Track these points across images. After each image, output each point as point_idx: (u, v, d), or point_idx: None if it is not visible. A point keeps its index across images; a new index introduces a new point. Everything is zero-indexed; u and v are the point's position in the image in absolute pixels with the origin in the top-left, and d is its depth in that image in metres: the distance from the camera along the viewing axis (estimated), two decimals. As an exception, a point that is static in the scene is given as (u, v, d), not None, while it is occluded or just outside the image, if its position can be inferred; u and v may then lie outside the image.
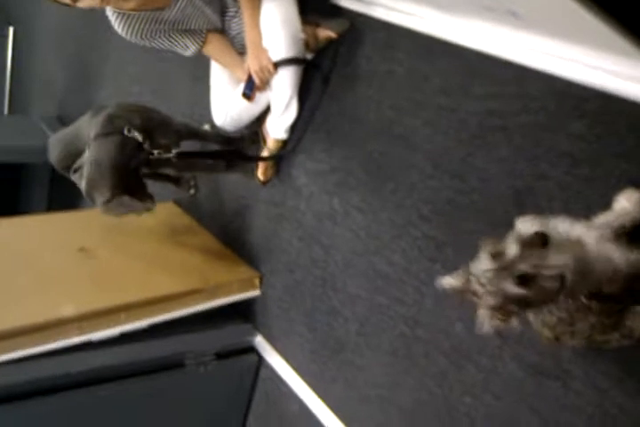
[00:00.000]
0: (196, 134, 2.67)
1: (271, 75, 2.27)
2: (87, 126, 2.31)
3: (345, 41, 2.27)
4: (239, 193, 2.85)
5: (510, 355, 1.73)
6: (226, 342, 2.63)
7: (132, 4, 2.14)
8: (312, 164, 2.43)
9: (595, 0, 1.04)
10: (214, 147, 2.74)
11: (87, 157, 2.19)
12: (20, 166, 4.45)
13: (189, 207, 3.19)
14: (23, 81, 5.48)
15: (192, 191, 2.99)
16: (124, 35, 2.26)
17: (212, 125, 2.75)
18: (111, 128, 2.19)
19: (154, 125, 2.33)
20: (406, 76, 2.06)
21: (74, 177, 2.32)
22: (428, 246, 1.97)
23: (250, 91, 2.36)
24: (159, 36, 2.31)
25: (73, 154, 2.42)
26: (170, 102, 3.33)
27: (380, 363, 2.15)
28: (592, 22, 1.10)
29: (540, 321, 1.30)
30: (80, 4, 2.01)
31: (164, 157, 2.31)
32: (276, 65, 2.24)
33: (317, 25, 2.30)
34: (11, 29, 5.53)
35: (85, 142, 2.30)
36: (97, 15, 2.23)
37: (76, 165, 2.28)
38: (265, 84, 2.31)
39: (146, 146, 2.26)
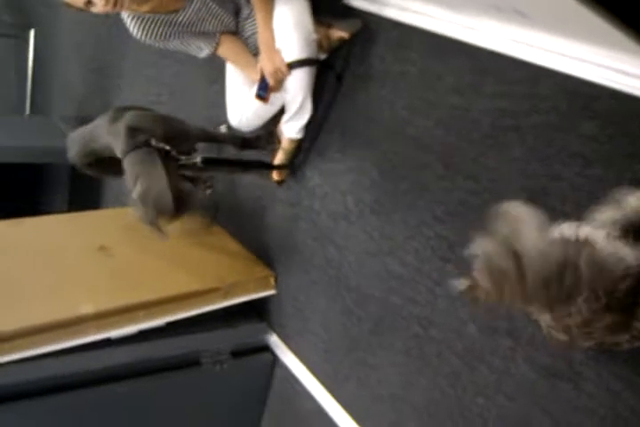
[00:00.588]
0: (212, 138, 2.69)
1: (285, 76, 2.27)
2: (104, 130, 2.33)
3: (358, 41, 2.27)
4: (255, 193, 2.87)
5: (523, 356, 1.73)
6: (241, 340, 2.66)
7: (146, 7, 2.16)
8: (326, 164, 2.44)
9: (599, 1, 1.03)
10: (230, 149, 2.75)
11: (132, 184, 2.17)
12: (40, 167, 4.50)
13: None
14: (44, 82, 5.55)
15: (209, 191, 3.01)
16: (138, 37, 2.28)
17: (228, 126, 2.77)
18: (135, 142, 2.18)
19: (174, 133, 2.34)
20: (419, 75, 2.05)
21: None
22: (440, 247, 1.97)
23: (264, 92, 2.36)
24: (173, 39, 2.33)
25: (89, 153, 2.48)
26: (186, 104, 3.36)
27: (392, 362, 2.16)
28: (597, 22, 1.10)
29: (559, 324, 1.28)
30: (94, 10, 2.04)
31: (191, 162, 2.33)
32: (290, 66, 2.25)
33: (330, 25, 2.30)
34: (32, 32, 5.60)
35: (102, 144, 2.33)
36: (114, 17, 2.26)
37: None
38: (279, 86, 2.32)
39: (173, 153, 2.26)
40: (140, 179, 2.11)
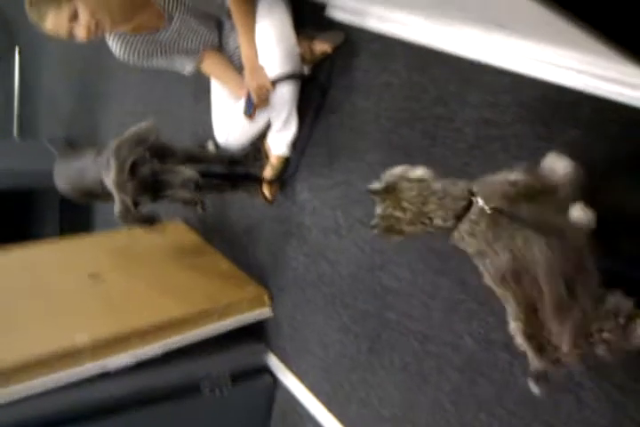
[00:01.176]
0: (198, 157, 2.66)
1: (270, 92, 2.26)
2: (93, 166, 2.31)
3: (341, 53, 2.26)
4: (245, 211, 2.85)
5: (521, 369, 1.70)
6: (240, 363, 2.62)
7: (127, 27, 2.15)
8: (314, 178, 2.42)
9: (575, 12, 1.01)
10: (218, 168, 2.73)
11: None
12: (30, 191, 4.47)
13: (198, 226, 3.19)
14: (31, 104, 5.54)
15: (200, 210, 2.98)
16: (121, 57, 2.27)
17: (216, 144, 2.75)
18: (127, 175, 2.13)
19: (160, 153, 2.32)
20: (403, 86, 2.04)
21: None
22: (432, 259, 1.95)
23: (250, 109, 2.34)
24: (156, 57, 2.32)
25: (79, 189, 2.50)
26: (173, 121, 3.34)
27: (392, 380, 2.13)
28: (577, 33, 1.08)
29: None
30: (77, 39, 2.03)
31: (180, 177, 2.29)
32: (274, 82, 2.23)
33: (312, 38, 2.29)
34: (17, 54, 5.59)
35: (92, 182, 2.31)
36: (100, 38, 2.24)
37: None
38: (264, 102, 2.30)
39: (158, 168, 2.24)
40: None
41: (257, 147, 2.62)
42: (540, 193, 1.31)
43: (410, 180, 1.31)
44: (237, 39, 2.35)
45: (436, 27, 1.87)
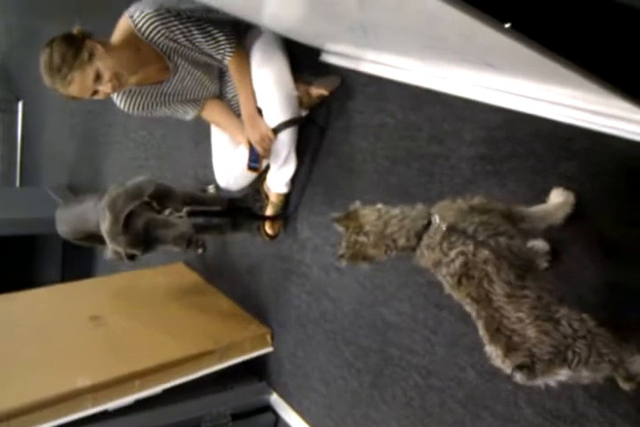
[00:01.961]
0: (198, 200, 2.70)
1: (272, 142, 2.31)
2: (93, 211, 2.35)
3: (337, 96, 2.32)
4: (246, 250, 2.88)
5: (525, 400, 1.70)
6: (241, 401, 2.60)
7: (132, 80, 2.22)
8: (314, 217, 2.46)
9: (564, 54, 1.07)
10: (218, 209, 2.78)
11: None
12: (33, 237, 4.51)
13: (199, 267, 3.21)
14: (33, 153, 5.62)
15: (200, 251, 3.01)
16: (125, 110, 2.34)
17: (217, 186, 2.79)
18: (121, 228, 2.16)
19: (160, 196, 2.36)
20: (398, 126, 2.10)
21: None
22: (433, 293, 1.97)
23: (256, 163, 2.39)
24: (159, 107, 2.39)
25: (81, 233, 2.54)
26: (174, 165, 3.40)
27: (395, 415, 2.12)
28: (564, 72, 1.13)
29: None
30: (99, 97, 2.13)
31: (176, 215, 2.33)
32: (275, 131, 2.29)
33: (310, 83, 2.35)
34: (20, 104, 5.71)
35: (94, 224, 2.34)
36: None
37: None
38: (268, 152, 2.36)
39: (156, 207, 2.28)
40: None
41: (256, 188, 2.66)
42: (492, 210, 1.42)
43: (370, 207, 1.42)
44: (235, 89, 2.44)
45: (427, 67, 1.94)
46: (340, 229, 1.44)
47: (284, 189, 2.51)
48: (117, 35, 2.17)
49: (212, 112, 2.52)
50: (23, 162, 5.86)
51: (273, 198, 2.56)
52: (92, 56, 2.01)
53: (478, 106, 1.82)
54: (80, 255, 4.38)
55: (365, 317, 2.22)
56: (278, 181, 2.48)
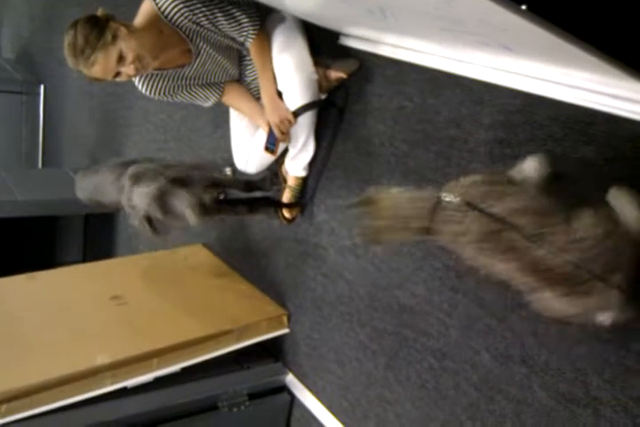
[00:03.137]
0: (217, 184, 2.72)
1: (292, 125, 2.32)
2: (111, 187, 2.40)
3: (356, 80, 2.32)
4: (264, 233, 2.90)
5: (538, 384, 1.71)
6: (258, 381, 2.63)
7: (154, 64, 2.23)
8: (331, 200, 2.47)
9: (579, 34, 1.06)
10: (236, 193, 2.80)
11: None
12: (55, 218, 4.58)
13: (217, 249, 3.24)
14: (55, 135, 5.68)
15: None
16: (146, 93, 2.35)
17: (234, 169, 2.81)
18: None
19: (182, 180, 2.38)
20: (417, 109, 2.09)
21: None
22: (449, 277, 1.98)
23: (273, 145, 2.40)
24: (181, 91, 2.40)
25: (96, 202, 2.63)
26: (193, 148, 3.43)
27: (410, 397, 2.14)
28: (582, 55, 1.13)
29: None
30: (121, 78, 2.14)
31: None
32: (295, 114, 2.30)
33: (328, 66, 2.35)
34: (42, 87, 5.76)
35: (108, 199, 2.44)
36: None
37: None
38: (287, 136, 2.37)
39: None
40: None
41: (274, 171, 2.68)
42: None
43: (384, 191, 1.47)
44: (255, 71, 2.44)
45: (446, 51, 1.93)
46: (356, 213, 1.48)
47: (302, 173, 2.53)
48: (140, 18, 2.18)
49: (232, 95, 2.52)
50: (45, 144, 5.93)
51: (290, 182, 2.57)
52: (115, 37, 2.02)
53: (497, 90, 1.81)
54: (101, 236, 4.44)
55: (381, 299, 2.24)
56: (296, 164, 2.49)
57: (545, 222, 1.32)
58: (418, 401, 2.11)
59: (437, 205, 1.40)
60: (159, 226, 2.29)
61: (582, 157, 1.61)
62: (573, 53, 1.16)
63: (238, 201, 2.71)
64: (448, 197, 1.39)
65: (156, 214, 2.21)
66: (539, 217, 1.33)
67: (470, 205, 1.36)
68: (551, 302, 1.33)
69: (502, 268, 1.37)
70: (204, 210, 2.27)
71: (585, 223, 1.31)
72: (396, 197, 1.45)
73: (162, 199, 2.21)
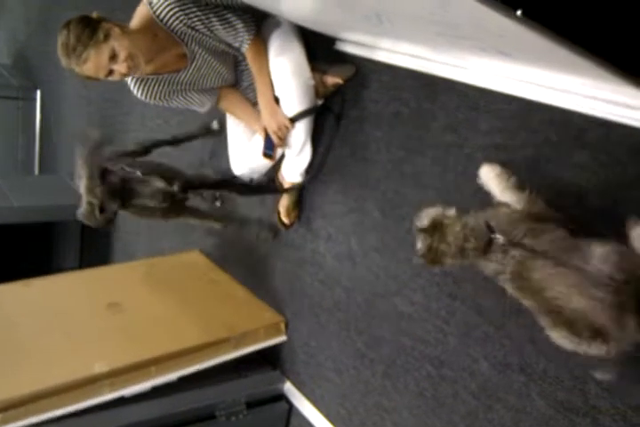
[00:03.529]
0: (214, 185, 2.70)
1: (289, 131, 2.31)
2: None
3: (352, 85, 2.31)
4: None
5: (537, 392, 1.69)
6: (255, 390, 2.62)
7: (149, 68, 2.22)
8: (328, 206, 2.46)
9: (575, 39, 1.05)
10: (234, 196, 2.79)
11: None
12: (51, 224, 4.56)
13: (214, 255, 3.23)
14: (52, 141, 5.67)
15: (218, 203, 3.03)
16: (141, 98, 2.34)
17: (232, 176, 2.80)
18: (98, 180, 2.22)
19: (169, 176, 2.37)
20: (413, 115, 2.08)
21: None
22: (446, 283, 1.96)
23: (270, 151, 2.39)
24: (176, 96, 2.39)
25: None
26: (190, 153, 3.41)
27: (407, 405, 2.12)
28: (577, 60, 1.12)
29: None
30: (113, 78, 2.13)
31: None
32: (292, 120, 2.29)
33: (324, 72, 2.34)
34: (38, 93, 5.75)
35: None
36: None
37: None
38: (284, 141, 2.36)
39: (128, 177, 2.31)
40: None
41: (271, 176, 2.66)
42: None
43: (449, 217, 1.53)
44: (251, 75, 2.43)
45: (442, 56, 1.92)
46: (420, 235, 1.56)
47: (298, 179, 2.51)
48: (136, 21, 2.17)
49: (228, 101, 2.52)
50: (42, 150, 5.92)
51: (287, 187, 2.56)
52: (107, 36, 2.01)
53: (493, 95, 1.80)
54: (97, 242, 4.43)
55: (378, 306, 2.22)
56: (293, 170, 2.48)
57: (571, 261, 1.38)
58: (415, 409, 2.09)
59: (490, 242, 1.47)
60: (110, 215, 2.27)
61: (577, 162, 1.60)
62: (569, 59, 1.15)
63: (205, 185, 2.68)
64: (498, 236, 1.46)
65: (113, 202, 2.21)
66: (567, 255, 1.39)
67: (512, 246, 1.44)
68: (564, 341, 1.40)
69: (528, 304, 1.46)
70: (168, 198, 2.27)
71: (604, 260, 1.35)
72: (463, 225, 1.50)
73: (124, 186, 2.22)
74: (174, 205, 2.39)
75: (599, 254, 1.35)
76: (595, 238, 1.39)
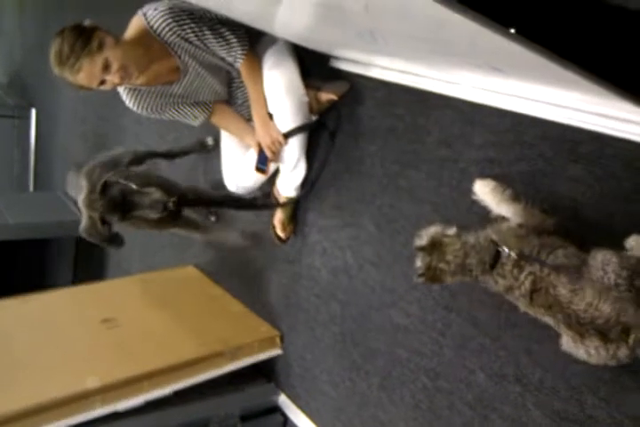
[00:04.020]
0: (208, 201, 2.72)
1: (282, 146, 2.33)
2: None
3: (346, 101, 2.34)
4: (256, 253, 2.90)
5: (533, 402, 1.71)
6: (250, 403, 2.62)
7: (142, 80, 2.25)
8: (324, 220, 2.48)
9: (568, 56, 1.09)
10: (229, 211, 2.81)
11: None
12: (46, 241, 4.56)
13: (209, 269, 3.24)
14: (46, 158, 5.69)
15: (212, 218, 3.04)
16: (134, 109, 2.36)
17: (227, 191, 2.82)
18: (98, 194, 2.23)
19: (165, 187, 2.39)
20: (407, 130, 2.11)
21: None
22: (442, 296, 1.98)
23: (264, 165, 2.42)
24: (168, 109, 2.41)
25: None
26: (185, 169, 3.42)
27: (403, 417, 2.13)
28: (567, 75, 1.15)
29: None
30: (105, 87, 2.15)
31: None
32: (286, 136, 2.31)
33: (319, 89, 2.37)
34: (33, 111, 5.79)
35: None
36: (112, 92, 2.35)
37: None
38: (277, 156, 2.38)
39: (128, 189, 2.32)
40: None
41: (266, 192, 2.68)
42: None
43: (448, 236, 1.53)
44: (246, 93, 2.45)
45: (437, 73, 1.96)
46: (420, 254, 1.55)
47: (293, 193, 2.53)
48: (130, 31, 2.20)
49: (221, 116, 2.54)
50: (37, 167, 5.93)
51: (282, 202, 2.58)
52: (101, 46, 2.03)
53: (487, 110, 1.83)
54: (91, 258, 4.43)
55: (374, 319, 2.24)
56: (288, 185, 2.50)
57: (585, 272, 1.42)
58: (412, 421, 2.09)
59: (496, 256, 1.49)
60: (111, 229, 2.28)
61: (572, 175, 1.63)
62: (562, 75, 1.18)
63: (200, 201, 2.70)
64: (507, 250, 1.49)
65: (113, 215, 2.22)
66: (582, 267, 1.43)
67: (526, 261, 1.46)
68: (599, 353, 1.40)
69: (548, 320, 1.47)
70: (166, 210, 2.29)
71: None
72: (463, 243, 1.51)
73: (124, 199, 2.23)
74: (170, 216, 2.40)
75: (601, 259, 1.39)
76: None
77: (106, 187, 2.21)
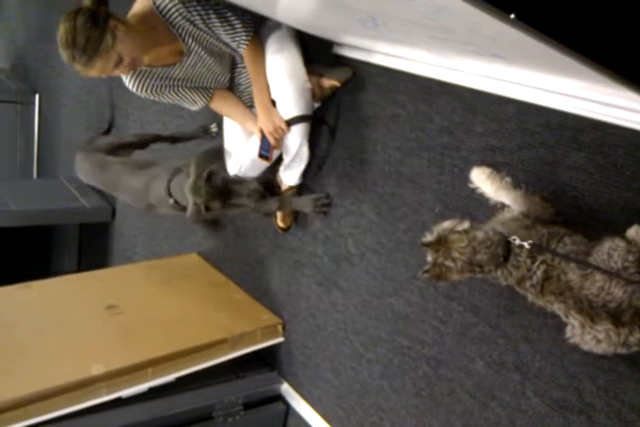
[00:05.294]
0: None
1: (285, 133, 2.32)
2: (160, 186, 2.49)
3: (348, 88, 2.33)
4: (258, 241, 2.90)
5: (532, 390, 1.71)
6: (253, 391, 2.63)
7: (144, 60, 2.23)
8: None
9: (568, 42, 1.07)
10: None
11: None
12: (50, 228, 4.57)
13: (212, 257, 3.24)
14: (50, 145, 5.68)
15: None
16: (133, 90, 2.35)
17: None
18: (204, 182, 2.32)
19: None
20: (409, 117, 2.10)
21: None
22: (442, 284, 1.98)
23: (267, 152, 2.41)
24: (168, 91, 2.40)
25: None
26: (188, 156, 3.42)
27: (405, 405, 2.14)
28: (568, 61, 1.14)
29: None
30: (116, 74, 2.14)
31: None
32: (289, 123, 2.30)
33: (321, 75, 2.36)
34: (36, 97, 5.77)
35: (153, 197, 2.55)
36: (116, 78, 2.35)
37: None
38: (280, 143, 2.37)
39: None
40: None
41: (268, 179, 2.67)
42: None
43: (456, 232, 1.50)
44: (248, 79, 2.44)
45: (439, 60, 1.94)
46: (427, 250, 1.53)
47: (296, 182, 2.53)
48: (135, 11, 2.18)
49: (221, 101, 2.52)
50: (40, 154, 5.92)
51: (284, 191, 2.57)
52: (114, 39, 2.01)
53: (489, 97, 1.82)
54: (96, 245, 4.44)
55: (375, 307, 2.24)
56: (290, 173, 2.49)
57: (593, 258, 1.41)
58: (413, 409, 2.11)
59: (507, 248, 1.47)
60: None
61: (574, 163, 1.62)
62: (562, 61, 1.17)
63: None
64: (519, 241, 1.47)
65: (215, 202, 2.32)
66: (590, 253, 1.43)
67: (539, 250, 1.45)
68: (611, 338, 1.39)
69: (559, 308, 1.46)
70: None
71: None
72: (471, 240, 1.48)
73: (226, 187, 2.35)
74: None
75: (609, 245, 1.38)
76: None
77: (211, 176, 2.30)
